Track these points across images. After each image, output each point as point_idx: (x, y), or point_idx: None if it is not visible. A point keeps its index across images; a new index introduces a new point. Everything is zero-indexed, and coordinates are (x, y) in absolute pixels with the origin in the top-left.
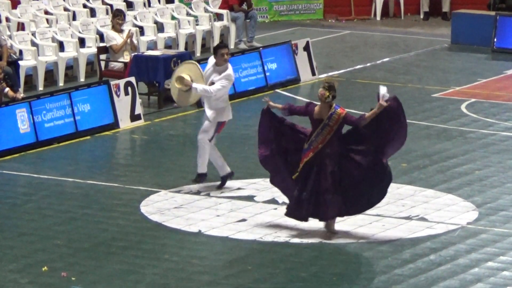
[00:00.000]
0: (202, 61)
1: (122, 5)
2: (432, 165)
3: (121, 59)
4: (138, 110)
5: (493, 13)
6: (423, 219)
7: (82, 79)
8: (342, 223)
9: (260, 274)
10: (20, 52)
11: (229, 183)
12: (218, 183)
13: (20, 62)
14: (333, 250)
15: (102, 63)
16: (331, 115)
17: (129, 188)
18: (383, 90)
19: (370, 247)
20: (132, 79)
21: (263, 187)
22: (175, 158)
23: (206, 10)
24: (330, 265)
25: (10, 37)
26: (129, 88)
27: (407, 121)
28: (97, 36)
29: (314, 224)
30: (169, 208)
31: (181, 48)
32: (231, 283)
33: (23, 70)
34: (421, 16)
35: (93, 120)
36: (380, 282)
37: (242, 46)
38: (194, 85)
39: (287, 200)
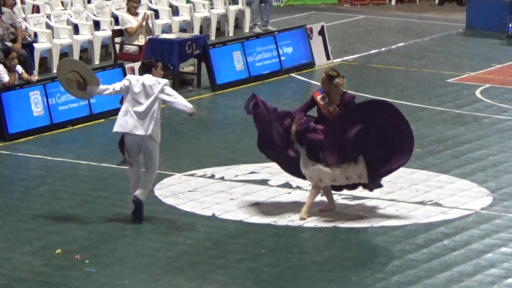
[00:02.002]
0: (217, 45)
1: None
2: (446, 150)
3: (136, 42)
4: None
5: None
6: (437, 204)
7: (96, 62)
8: (355, 208)
9: (273, 258)
10: (35, 34)
11: (243, 167)
12: (227, 168)
13: (35, 45)
14: (346, 235)
15: (117, 46)
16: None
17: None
18: None
19: (384, 231)
20: None
21: (277, 171)
22: (189, 142)
23: None
24: (344, 249)
25: (25, 19)
26: None
27: (422, 105)
28: (112, 19)
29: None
30: (183, 191)
31: (196, 32)
32: (244, 267)
33: (37, 53)
34: (436, 1)
35: (107, 103)
36: (393, 266)
37: (257, 30)
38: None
39: (301, 184)
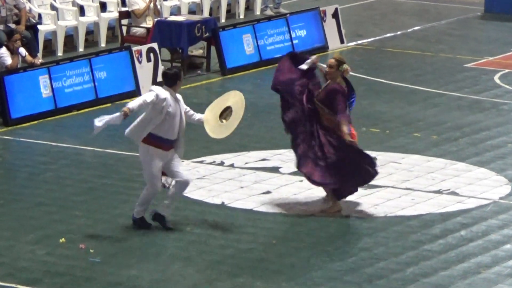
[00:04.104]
0: (227, 28)
1: None
2: (463, 137)
3: (143, 25)
4: (160, 77)
5: None
6: (454, 193)
7: (103, 44)
8: (369, 197)
9: (284, 248)
10: (39, 16)
11: (254, 154)
12: (237, 155)
13: (39, 27)
14: (359, 224)
15: (124, 29)
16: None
17: None
18: None
19: (399, 221)
20: (155, 45)
21: (288, 158)
22: (198, 128)
23: None
24: (357, 239)
25: (29, 0)
26: (151, 55)
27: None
28: (119, 0)
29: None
30: (192, 179)
31: (205, 14)
32: (255, 257)
33: (42, 35)
34: None
35: (114, 87)
36: (408, 257)
37: (269, 12)
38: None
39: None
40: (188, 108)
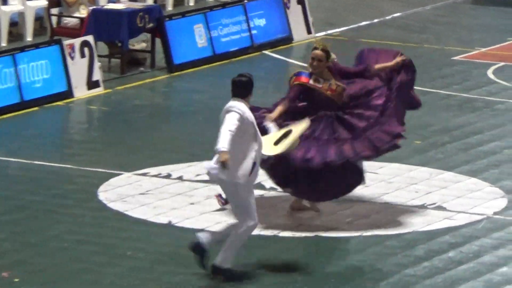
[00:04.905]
0: (174, 16)
1: None
2: (452, 142)
3: (76, 14)
4: (97, 75)
5: None
6: (440, 208)
7: (29, 38)
8: (342, 213)
9: (243, 273)
10: None
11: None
12: (186, 166)
13: None
14: (331, 245)
15: (54, 19)
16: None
17: (86, 170)
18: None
19: (376, 241)
20: (90, 38)
21: None
22: (141, 134)
23: None
24: (327, 263)
25: None
26: (86, 49)
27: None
28: None
29: (309, 214)
30: (133, 194)
31: (149, 1)
32: (208, 285)
33: None
34: None
35: (42, 88)
36: (388, 284)
37: None
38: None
39: (275, 186)
40: None
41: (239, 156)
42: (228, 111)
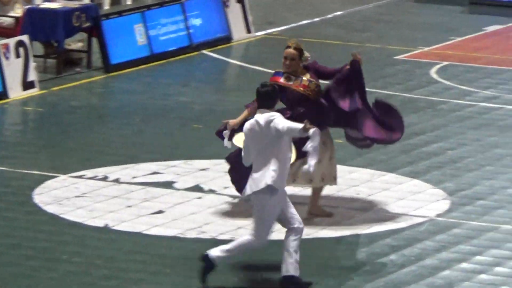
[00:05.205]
0: (111, 16)
1: None
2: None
3: (11, 13)
4: (32, 76)
5: None
6: (382, 210)
7: None
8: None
9: (180, 278)
10: None
11: (143, 166)
12: (123, 168)
13: None
14: (269, 249)
15: None
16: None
17: (20, 172)
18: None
19: (317, 244)
20: (25, 37)
21: (184, 171)
22: (78, 135)
23: None
24: (267, 268)
25: None
26: (21, 49)
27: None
28: None
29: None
30: (69, 197)
31: (86, 0)
32: None
33: None
34: None
35: None
36: (328, 287)
37: None
38: None
39: (214, 187)
40: None
41: (283, 161)
42: (271, 120)
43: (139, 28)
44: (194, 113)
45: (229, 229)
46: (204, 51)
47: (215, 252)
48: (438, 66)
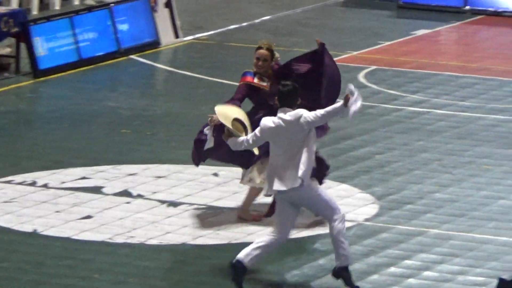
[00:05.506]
0: (39, 21)
1: None
2: (321, 148)
3: None
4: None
5: None
6: (310, 214)
7: None
8: (210, 220)
9: (108, 283)
10: None
11: (71, 171)
12: (51, 173)
13: None
14: (192, 251)
15: None
16: None
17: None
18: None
19: (240, 250)
20: None
21: (113, 176)
22: (6, 141)
23: None
24: (196, 271)
25: None
26: None
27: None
28: None
29: (180, 221)
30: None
31: (14, 5)
32: None
33: None
34: None
35: None
36: None
37: (89, 1)
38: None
39: (143, 192)
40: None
41: (311, 152)
42: (300, 116)
43: (67, 34)
44: (122, 118)
45: (158, 234)
46: (132, 56)
47: (245, 257)
48: (366, 71)
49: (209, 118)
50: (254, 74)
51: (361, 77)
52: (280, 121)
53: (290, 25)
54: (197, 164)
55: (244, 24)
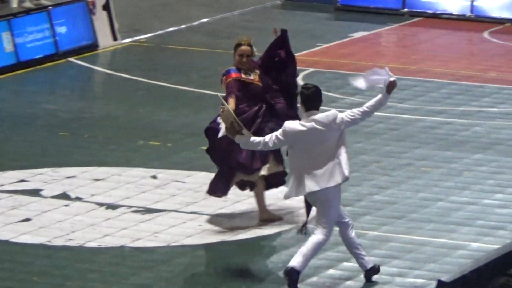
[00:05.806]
0: None
1: None
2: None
3: None
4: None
5: None
6: (249, 217)
7: None
8: (148, 223)
9: (48, 286)
10: None
11: (10, 174)
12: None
13: None
14: (136, 256)
15: None
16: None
17: None
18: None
19: (184, 251)
20: None
21: (51, 178)
22: None
23: None
24: (133, 274)
25: None
26: None
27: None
28: None
29: (119, 223)
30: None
31: None
32: None
33: None
34: None
35: None
36: None
37: (28, 4)
38: None
39: (81, 195)
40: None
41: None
42: (336, 116)
43: (5, 36)
44: (61, 121)
45: (96, 236)
46: (71, 59)
47: (297, 262)
48: (304, 73)
49: (221, 110)
50: (239, 70)
51: (299, 79)
52: (314, 124)
53: (229, 27)
54: (220, 196)
55: (182, 26)
